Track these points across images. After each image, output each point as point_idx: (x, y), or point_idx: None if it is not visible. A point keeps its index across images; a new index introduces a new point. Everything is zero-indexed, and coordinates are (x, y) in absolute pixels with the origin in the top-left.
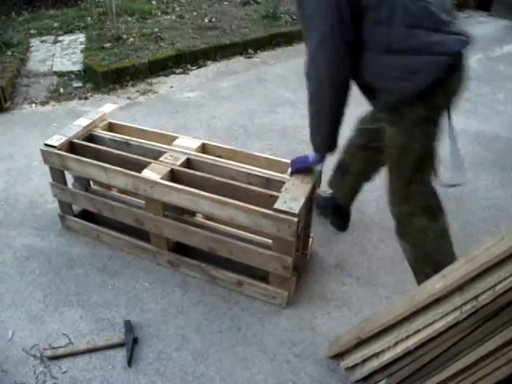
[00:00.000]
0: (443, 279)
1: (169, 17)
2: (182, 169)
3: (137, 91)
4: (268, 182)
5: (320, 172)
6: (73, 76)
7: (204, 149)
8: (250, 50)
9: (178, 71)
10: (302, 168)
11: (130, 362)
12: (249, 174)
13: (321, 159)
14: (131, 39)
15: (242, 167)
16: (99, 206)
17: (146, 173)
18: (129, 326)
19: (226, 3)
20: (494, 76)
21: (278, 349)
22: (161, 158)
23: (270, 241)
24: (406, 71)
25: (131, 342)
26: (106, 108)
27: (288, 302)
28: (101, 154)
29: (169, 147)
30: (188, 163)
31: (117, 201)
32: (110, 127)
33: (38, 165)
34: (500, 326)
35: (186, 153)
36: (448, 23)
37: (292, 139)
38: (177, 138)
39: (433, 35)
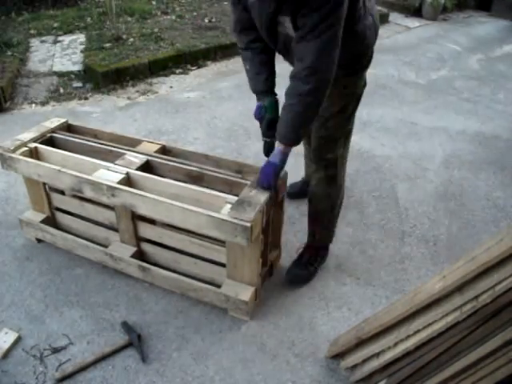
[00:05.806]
0: (443, 279)
1: (169, 17)
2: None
3: (137, 91)
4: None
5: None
6: (73, 76)
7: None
8: None
9: (177, 71)
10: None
11: (143, 358)
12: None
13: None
14: (131, 39)
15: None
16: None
17: (103, 174)
18: (128, 327)
19: (225, 3)
20: (494, 76)
21: (277, 349)
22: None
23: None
24: None
25: (137, 340)
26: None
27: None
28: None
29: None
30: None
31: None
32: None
33: None
34: (500, 326)
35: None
36: None
37: None
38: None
39: None
